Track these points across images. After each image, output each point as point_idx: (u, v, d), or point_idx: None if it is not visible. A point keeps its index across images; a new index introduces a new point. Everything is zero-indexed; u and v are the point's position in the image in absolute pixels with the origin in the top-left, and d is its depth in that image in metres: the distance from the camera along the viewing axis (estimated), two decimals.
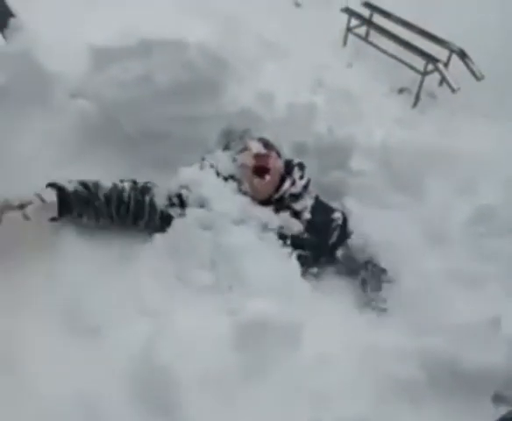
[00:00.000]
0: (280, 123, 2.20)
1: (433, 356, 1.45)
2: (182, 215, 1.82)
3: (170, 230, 1.80)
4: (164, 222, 1.84)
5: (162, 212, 1.86)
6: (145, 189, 1.85)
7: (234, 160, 1.99)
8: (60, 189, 1.67)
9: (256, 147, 1.94)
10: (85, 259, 1.67)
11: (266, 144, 1.98)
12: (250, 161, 1.93)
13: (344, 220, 2.03)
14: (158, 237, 1.79)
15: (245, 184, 1.94)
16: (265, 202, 1.94)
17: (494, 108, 3.14)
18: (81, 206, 1.72)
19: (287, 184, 1.98)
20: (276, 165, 1.97)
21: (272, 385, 1.33)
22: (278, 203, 1.96)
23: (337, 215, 2.03)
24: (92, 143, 1.88)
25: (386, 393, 1.39)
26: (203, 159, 1.99)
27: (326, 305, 1.66)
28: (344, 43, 3.80)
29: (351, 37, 3.78)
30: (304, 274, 1.81)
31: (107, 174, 1.84)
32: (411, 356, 1.45)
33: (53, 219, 1.67)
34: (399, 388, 1.40)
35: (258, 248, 1.75)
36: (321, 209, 2.03)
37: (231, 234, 1.74)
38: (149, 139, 1.98)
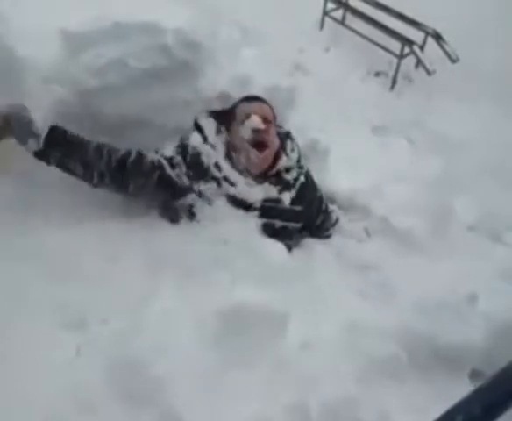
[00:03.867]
0: None
1: (413, 334, 1.48)
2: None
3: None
4: (161, 186, 1.84)
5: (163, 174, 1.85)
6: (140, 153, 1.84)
7: (219, 130, 1.97)
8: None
9: (256, 122, 1.89)
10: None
11: (266, 118, 1.93)
12: (248, 135, 1.88)
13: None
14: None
15: (240, 156, 1.91)
16: (258, 176, 1.93)
17: (468, 90, 3.18)
18: (69, 146, 1.71)
19: (283, 160, 1.97)
20: (274, 140, 1.95)
21: (256, 372, 1.33)
22: (272, 177, 1.95)
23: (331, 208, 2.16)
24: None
25: (368, 372, 1.41)
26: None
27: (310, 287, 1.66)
28: (321, 27, 3.80)
29: (327, 21, 3.78)
30: (289, 246, 1.87)
31: None
32: (392, 335, 1.48)
33: (36, 154, 1.66)
34: (381, 366, 1.42)
35: (243, 233, 1.76)
36: (310, 184, 2.08)
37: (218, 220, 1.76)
38: (126, 125, 1.94)
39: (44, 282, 1.52)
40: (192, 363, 1.30)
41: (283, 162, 1.97)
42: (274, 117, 2.01)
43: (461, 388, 1.43)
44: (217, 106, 2.07)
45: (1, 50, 1.72)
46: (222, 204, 1.86)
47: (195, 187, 1.86)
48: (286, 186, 1.97)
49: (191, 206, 1.86)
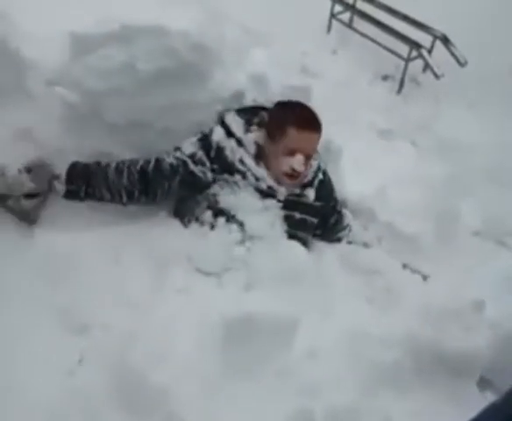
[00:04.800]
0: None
1: (417, 341, 1.47)
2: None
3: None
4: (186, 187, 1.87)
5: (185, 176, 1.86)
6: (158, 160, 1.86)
7: (248, 129, 1.94)
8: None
9: (298, 164, 1.84)
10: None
11: (308, 156, 1.89)
12: (286, 169, 1.85)
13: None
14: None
15: (270, 165, 1.88)
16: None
17: (477, 94, 3.16)
18: (90, 176, 1.76)
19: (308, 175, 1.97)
20: (305, 171, 1.92)
21: (261, 380, 1.32)
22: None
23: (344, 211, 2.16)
24: (72, 134, 1.84)
25: (373, 379, 1.40)
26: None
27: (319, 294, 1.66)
28: (329, 30, 3.79)
29: (335, 23, 3.77)
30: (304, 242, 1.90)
31: None
32: (396, 342, 1.47)
33: (66, 195, 1.73)
34: (385, 374, 1.41)
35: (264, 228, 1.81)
36: (327, 182, 2.09)
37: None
38: (133, 128, 1.94)
39: (46, 286, 1.52)
40: (196, 370, 1.29)
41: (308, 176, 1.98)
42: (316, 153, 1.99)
43: (466, 396, 1.43)
44: (232, 105, 2.05)
45: (7, 52, 1.73)
46: (247, 195, 1.86)
47: (220, 177, 1.87)
48: (308, 184, 1.98)
49: (215, 196, 1.86)
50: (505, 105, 3.01)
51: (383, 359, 1.43)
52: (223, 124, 1.94)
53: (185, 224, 1.90)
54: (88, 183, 1.76)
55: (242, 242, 1.77)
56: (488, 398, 1.15)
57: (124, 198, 1.83)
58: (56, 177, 1.72)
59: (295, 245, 1.79)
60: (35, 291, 1.50)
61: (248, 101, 2.10)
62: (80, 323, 1.46)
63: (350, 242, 2.14)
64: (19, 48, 1.70)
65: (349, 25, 3.71)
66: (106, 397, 1.26)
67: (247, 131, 1.94)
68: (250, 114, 2.00)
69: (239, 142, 1.91)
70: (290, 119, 1.84)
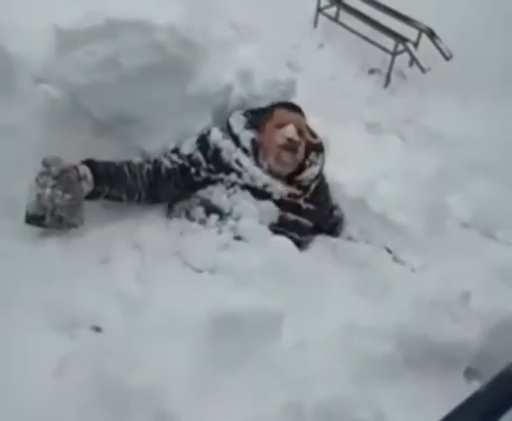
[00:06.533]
0: (259, 100, 2.18)
1: (408, 333, 1.48)
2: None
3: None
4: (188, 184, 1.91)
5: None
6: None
7: (246, 126, 2.01)
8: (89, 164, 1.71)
9: (292, 132, 1.94)
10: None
11: (300, 131, 1.99)
12: (282, 141, 1.93)
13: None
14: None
15: (268, 156, 1.95)
16: (280, 177, 1.97)
17: (462, 87, 3.18)
18: (112, 179, 1.76)
19: (307, 172, 2.02)
20: (302, 152, 2.02)
21: (250, 373, 1.32)
22: (292, 181, 2.00)
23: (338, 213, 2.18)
24: (59, 131, 1.82)
25: (363, 371, 1.40)
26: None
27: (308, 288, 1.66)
28: (315, 24, 3.79)
29: (321, 18, 3.77)
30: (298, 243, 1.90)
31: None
32: (387, 334, 1.47)
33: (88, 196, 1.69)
34: (376, 365, 1.41)
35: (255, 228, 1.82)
36: (325, 187, 2.13)
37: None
38: (120, 124, 1.93)
39: (37, 284, 1.50)
40: (185, 368, 1.28)
41: (306, 175, 2.02)
42: (307, 132, 2.07)
43: (456, 387, 1.44)
44: (219, 101, 2.09)
45: None
46: (241, 194, 1.89)
47: (216, 177, 1.90)
48: (304, 189, 2.01)
49: (207, 199, 1.88)
50: (491, 98, 3.04)
51: (374, 351, 1.43)
52: (228, 126, 2.01)
53: (176, 215, 1.92)
54: (112, 186, 1.77)
55: (232, 241, 1.77)
56: (475, 388, 1.16)
57: (136, 200, 1.87)
58: (82, 178, 1.66)
59: (283, 240, 1.79)
60: (23, 289, 1.49)
61: (235, 96, 2.11)
62: (68, 321, 1.44)
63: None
64: (4, 44, 1.67)
65: (335, 20, 3.71)
66: (94, 397, 1.25)
67: (246, 128, 2.01)
68: (257, 116, 2.07)
69: (236, 139, 1.96)
70: (275, 105, 2.07)
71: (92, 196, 1.73)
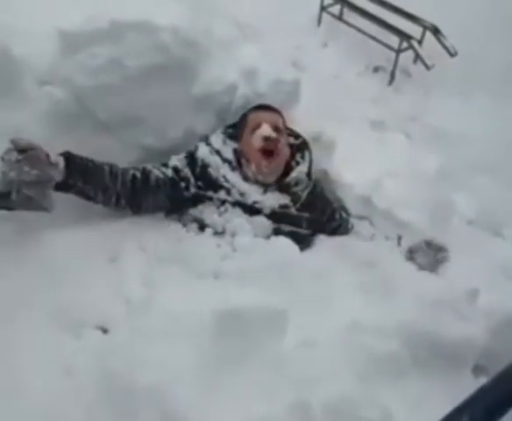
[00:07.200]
0: (264, 99, 2.17)
1: (413, 331, 1.47)
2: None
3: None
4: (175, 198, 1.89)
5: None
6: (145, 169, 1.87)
7: (225, 141, 2.00)
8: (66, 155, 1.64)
9: (267, 131, 1.91)
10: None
11: (276, 127, 1.96)
12: (259, 143, 1.91)
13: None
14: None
15: (250, 165, 1.94)
16: (268, 185, 1.97)
17: (467, 85, 3.16)
18: (88, 174, 1.69)
19: (295, 172, 1.99)
20: (284, 150, 1.98)
21: (256, 372, 1.32)
22: (282, 188, 1.98)
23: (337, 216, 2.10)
24: (64, 132, 1.83)
25: (370, 370, 1.40)
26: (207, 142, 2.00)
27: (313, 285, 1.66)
28: (319, 22, 3.78)
29: (325, 16, 3.76)
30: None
31: None
32: (393, 332, 1.47)
33: (57, 186, 1.60)
34: (382, 364, 1.41)
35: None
36: (319, 193, 2.06)
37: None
38: (124, 125, 1.94)
39: (43, 284, 1.51)
40: (191, 367, 1.28)
41: (294, 174, 1.98)
42: (285, 127, 2.04)
43: (463, 385, 1.43)
44: (224, 100, 2.09)
45: None
46: (231, 211, 1.89)
47: (205, 194, 1.90)
48: (294, 196, 1.98)
49: (200, 219, 1.88)
50: (496, 96, 3.02)
51: (379, 349, 1.43)
52: (207, 142, 1.99)
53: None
54: (85, 181, 1.70)
55: (232, 253, 1.77)
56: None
57: (113, 201, 1.80)
58: (53, 165, 1.57)
59: (285, 239, 1.79)
60: (31, 290, 1.50)
61: (239, 95, 2.11)
62: (75, 322, 1.45)
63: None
64: (9, 46, 1.68)
65: (339, 18, 3.70)
66: (101, 396, 1.25)
67: (224, 143, 2.00)
68: (235, 128, 2.05)
69: (220, 155, 1.96)
70: (249, 110, 2.05)
71: (63, 187, 1.64)
